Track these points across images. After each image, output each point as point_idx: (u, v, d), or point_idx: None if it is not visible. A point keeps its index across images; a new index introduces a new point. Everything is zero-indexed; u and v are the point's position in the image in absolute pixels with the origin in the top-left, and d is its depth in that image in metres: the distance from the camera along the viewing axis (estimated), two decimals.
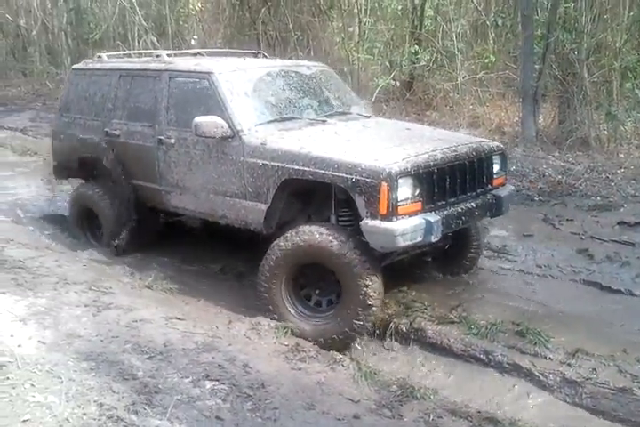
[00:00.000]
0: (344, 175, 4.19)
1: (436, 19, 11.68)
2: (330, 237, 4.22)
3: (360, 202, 4.14)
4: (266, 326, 4.48)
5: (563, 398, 3.83)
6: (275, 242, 4.51)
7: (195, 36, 14.80)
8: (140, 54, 6.32)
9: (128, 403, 3.33)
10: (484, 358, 4.19)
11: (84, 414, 3.20)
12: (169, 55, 5.90)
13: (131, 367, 3.75)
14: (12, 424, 3.08)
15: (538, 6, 9.84)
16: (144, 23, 14.69)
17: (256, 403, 3.46)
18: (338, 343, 4.30)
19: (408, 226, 4.04)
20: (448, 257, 5.42)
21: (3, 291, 4.73)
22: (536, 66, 9.16)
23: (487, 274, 5.53)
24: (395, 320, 4.57)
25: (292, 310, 4.52)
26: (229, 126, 4.82)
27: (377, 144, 4.65)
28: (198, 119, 4.78)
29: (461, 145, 4.68)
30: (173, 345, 4.07)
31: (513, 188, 5.39)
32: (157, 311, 4.60)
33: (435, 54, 10.91)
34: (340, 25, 11.60)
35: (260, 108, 5.13)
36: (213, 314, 4.72)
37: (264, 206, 4.70)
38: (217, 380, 3.67)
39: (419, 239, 4.10)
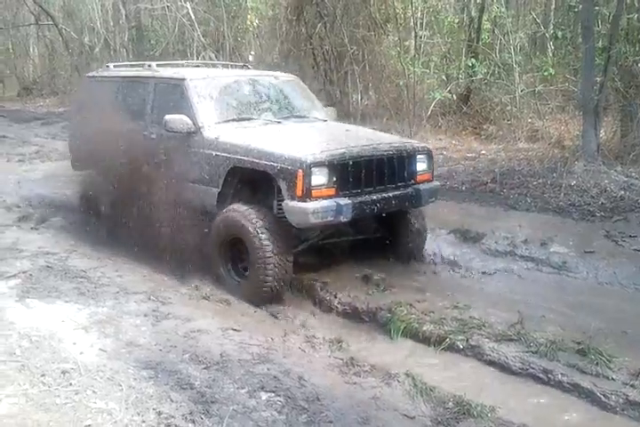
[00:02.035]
0: (272, 164, 4.99)
1: (493, 31, 11.56)
2: (245, 217, 5.08)
3: (283, 186, 4.94)
4: (320, 339, 4.50)
5: (626, 420, 3.69)
6: (216, 218, 5.40)
7: (252, 52, 15.03)
8: (143, 64, 7.03)
9: (185, 412, 3.39)
10: (543, 376, 4.07)
11: (143, 421, 3.27)
12: (158, 65, 6.79)
13: (188, 377, 3.81)
14: None
15: (599, 18, 9.62)
16: (202, 39, 15.03)
17: (311, 416, 3.46)
18: (253, 301, 5.10)
19: (319, 206, 4.81)
20: (392, 244, 6.02)
21: (66, 300, 4.90)
22: (597, 78, 8.93)
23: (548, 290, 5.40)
24: (450, 336, 4.49)
25: (224, 271, 5.40)
26: (194, 123, 5.66)
27: (308, 140, 5.41)
28: (168, 117, 5.65)
29: (383, 144, 5.44)
30: (230, 356, 4.13)
31: (438, 184, 5.98)
32: (214, 322, 4.68)
33: (492, 67, 10.78)
34: (396, 39, 11.60)
35: (221, 109, 5.96)
36: (269, 326, 4.74)
37: (216, 190, 5.50)
38: (272, 391, 3.70)
39: (330, 218, 4.88)
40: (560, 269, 5.81)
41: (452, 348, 4.45)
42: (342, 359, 4.20)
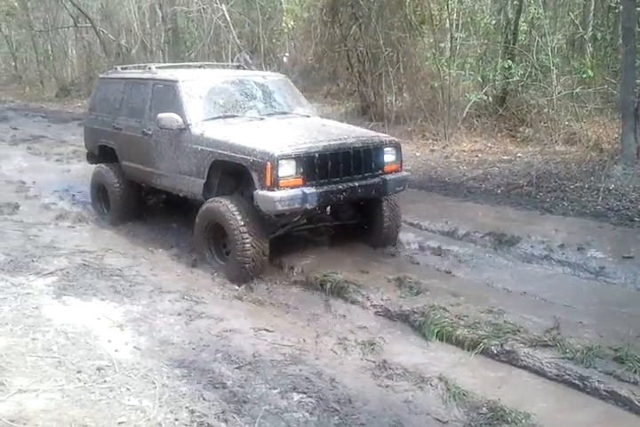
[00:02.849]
0: (246, 157, 5.48)
1: (530, 33, 11.40)
2: (224, 206, 5.62)
3: (255, 177, 5.44)
4: (352, 341, 4.48)
5: None
6: (201, 208, 5.95)
7: (286, 54, 15.10)
8: (145, 67, 7.67)
9: (218, 411, 3.41)
10: (579, 383, 3.99)
11: (176, 419, 3.30)
12: (158, 67, 7.39)
13: (221, 376, 3.84)
14: (108, 426, 3.20)
15: None
16: (237, 41, 15.14)
17: (343, 418, 3.45)
18: (234, 280, 5.61)
19: (286, 195, 5.30)
20: (369, 230, 6.47)
21: (102, 297, 4.97)
22: (637, 80, 8.76)
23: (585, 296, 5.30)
24: (485, 341, 4.43)
25: (208, 254, 5.97)
26: (183, 121, 6.16)
27: (282, 136, 5.85)
28: (160, 115, 6.20)
29: (351, 138, 5.89)
30: (262, 356, 4.14)
31: (406, 174, 6.34)
32: (247, 322, 4.70)
33: (529, 69, 10.63)
34: (432, 40, 11.52)
35: (209, 108, 6.48)
36: (301, 327, 4.75)
37: (202, 181, 6.03)
38: (304, 393, 3.70)
39: (296, 206, 5.38)
40: (597, 275, 5.69)
41: (486, 352, 4.39)
42: (375, 362, 4.17)
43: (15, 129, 15.22)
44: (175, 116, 6.15)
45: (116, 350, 4.06)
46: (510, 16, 11.25)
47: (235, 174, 5.94)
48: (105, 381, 3.65)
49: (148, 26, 20.18)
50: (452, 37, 11.11)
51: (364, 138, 6.03)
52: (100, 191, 7.77)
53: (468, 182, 8.21)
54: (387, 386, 3.90)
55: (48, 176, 9.88)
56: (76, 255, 5.96)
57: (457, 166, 8.79)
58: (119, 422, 3.25)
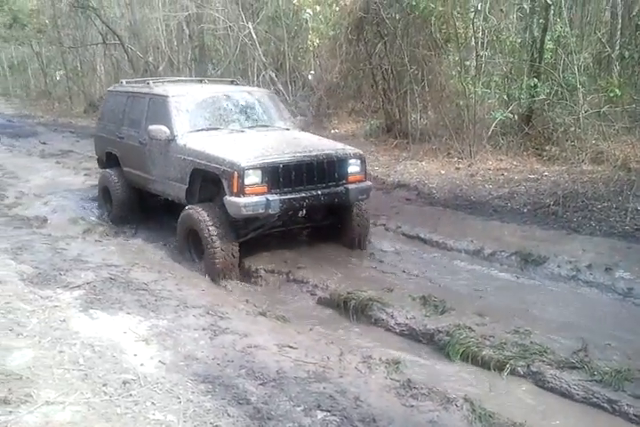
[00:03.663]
0: (219, 166, 6.11)
1: (556, 51, 11.34)
2: (197, 214, 6.30)
3: (225, 184, 6.05)
4: (377, 359, 4.45)
5: None
6: (181, 214, 6.60)
7: (312, 71, 15.19)
8: (144, 81, 8.46)
9: None
10: (608, 406, 3.94)
11: None
12: (155, 83, 8.18)
13: (245, 392, 3.83)
14: None
15: None
16: (263, 59, 15.30)
17: None
18: (209, 276, 6.23)
19: (250, 201, 5.92)
20: (340, 233, 7.07)
21: (128, 311, 5.00)
22: None
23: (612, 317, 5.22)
24: (511, 362, 4.39)
25: (188, 255, 6.68)
26: (171, 132, 6.80)
27: (254, 147, 6.39)
28: (150, 127, 6.86)
29: (316, 150, 6.46)
30: (286, 373, 4.12)
31: (369, 183, 6.86)
32: (270, 338, 4.69)
33: (555, 87, 10.55)
34: (457, 58, 11.50)
35: (194, 121, 7.09)
36: (324, 344, 4.73)
37: (184, 187, 6.68)
38: (328, 411, 3.67)
39: (260, 211, 5.98)
40: (625, 296, 5.62)
41: (512, 373, 4.36)
42: (399, 381, 4.14)
43: (44, 144, 15.50)
44: (164, 128, 6.80)
45: (142, 364, 4.08)
46: (536, 34, 11.21)
47: (214, 182, 6.39)
48: (130, 394, 3.66)
49: (175, 43, 20.46)
50: (477, 55, 11.08)
51: (328, 151, 6.58)
52: (104, 193, 8.57)
53: (493, 201, 8.16)
54: (411, 406, 3.86)
55: (75, 191, 10.02)
56: (103, 269, 6.01)
57: (482, 185, 8.74)
58: None
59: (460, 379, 4.33)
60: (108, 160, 8.68)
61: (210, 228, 6.13)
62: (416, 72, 11.87)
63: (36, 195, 9.81)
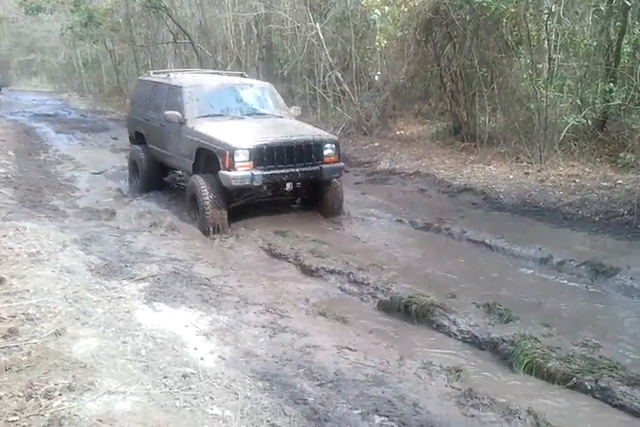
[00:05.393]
0: (216, 146, 7.52)
1: (634, 55, 10.91)
2: (197, 181, 7.70)
3: (220, 160, 7.40)
4: (437, 366, 4.35)
5: None
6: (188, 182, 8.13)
7: (378, 72, 15.08)
8: (166, 73, 10.02)
9: None
10: None
11: None
12: (174, 74, 9.76)
13: (302, 392, 3.80)
14: None
15: None
16: (330, 59, 15.28)
17: None
18: (202, 232, 7.63)
19: (239, 175, 7.32)
20: (318, 203, 8.43)
21: (190, 305, 5.05)
22: None
23: None
24: (578, 376, 4.20)
25: (191, 213, 8.03)
26: (182, 117, 8.24)
27: (247, 132, 7.82)
28: (166, 112, 8.33)
29: (297, 135, 7.79)
30: (344, 375, 4.08)
31: (341, 164, 8.22)
32: (329, 339, 4.65)
33: (631, 93, 10.15)
34: (529, 61, 11.19)
35: (202, 108, 8.50)
36: (384, 348, 4.64)
37: (191, 162, 8.12)
38: (386, 416, 3.61)
39: (246, 183, 7.36)
40: None
41: (578, 388, 4.18)
42: (460, 389, 4.03)
43: (115, 139, 15.92)
44: (177, 113, 8.24)
45: (202, 359, 4.10)
46: (613, 37, 10.80)
47: (214, 158, 7.59)
48: (189, 388, 3.68)
49: (243, 43, 20.65)
50: (549, 58, 10.75)
51: (308, 136, 7.90)
52: (133, 166, 10.00)
53: (563, 208, 7.90)
54: (472, 415, 3.76)
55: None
56: (168, 263, 6.11)
57: (552, 191, 8.47)
58: None
59: (524, 391, 4.18)
60: (137, 138, 10.19)
61: (204, 193, 7.46)
62: (485, 74, 11.63)
63: (106, 188, 10.11)
